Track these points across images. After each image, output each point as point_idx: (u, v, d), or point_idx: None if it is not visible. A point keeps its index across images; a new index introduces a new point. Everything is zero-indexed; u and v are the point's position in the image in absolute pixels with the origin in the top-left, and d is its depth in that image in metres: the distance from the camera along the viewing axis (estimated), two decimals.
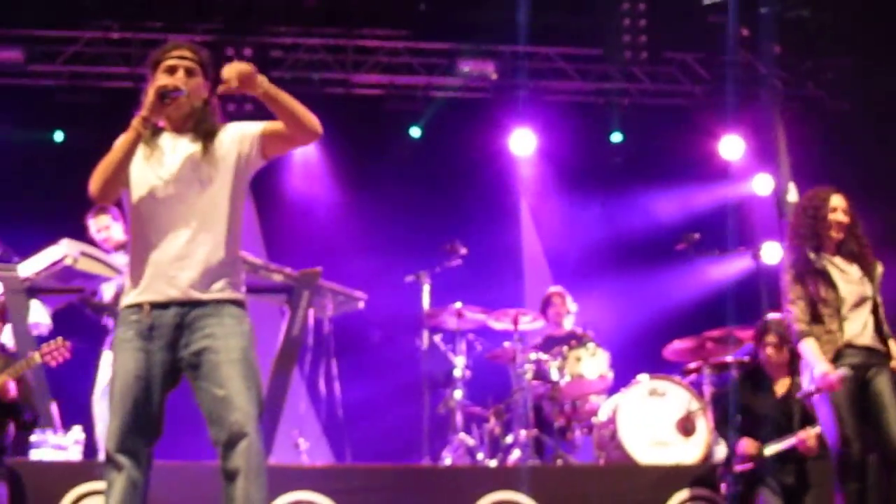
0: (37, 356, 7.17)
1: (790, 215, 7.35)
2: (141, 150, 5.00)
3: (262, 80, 4.88)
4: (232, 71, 4.84)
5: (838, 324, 6.75)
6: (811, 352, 6.74)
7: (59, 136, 12.97)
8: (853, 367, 6.68)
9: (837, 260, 6.90)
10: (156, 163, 5.00)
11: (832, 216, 6.92)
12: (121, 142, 4.93)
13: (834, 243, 6.94)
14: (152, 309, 4.93)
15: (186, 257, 4.94)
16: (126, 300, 5.02)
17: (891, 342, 6.87)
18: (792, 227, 7.12)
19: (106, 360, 9.00)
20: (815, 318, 6.80)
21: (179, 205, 4.95)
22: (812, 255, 6.86)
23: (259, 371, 5.02)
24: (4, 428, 7.23)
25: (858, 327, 6.78)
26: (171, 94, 4.92)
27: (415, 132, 13.45)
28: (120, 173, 4.92)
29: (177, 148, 5.03)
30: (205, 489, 6.96)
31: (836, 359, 6.70)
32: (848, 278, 6.84)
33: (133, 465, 4.87)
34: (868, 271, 6.90)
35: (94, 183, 4.92)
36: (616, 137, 13.74)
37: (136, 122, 4.89)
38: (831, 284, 6.79)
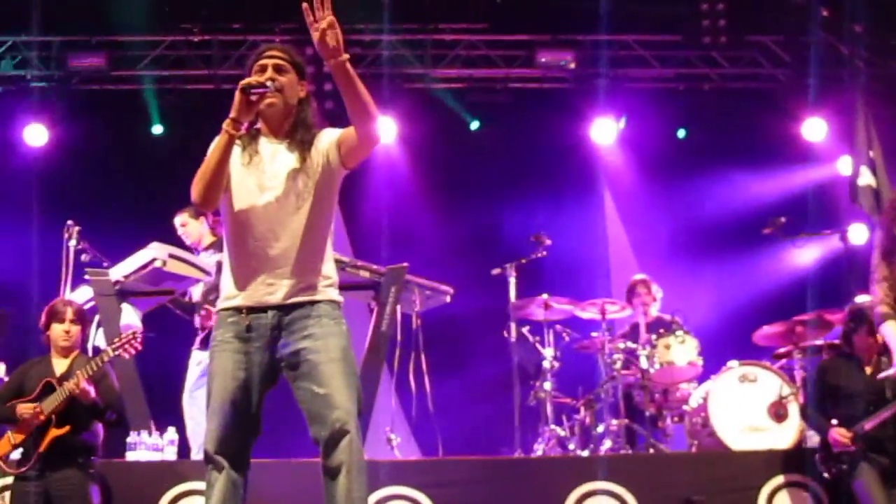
0: (109, 350, 7.21)
1: (861, 198, 7.25)
2: (240, 156, 5.05)
3: (346, 56, 4.83)
4: (331, 24, 4.80)
5: None
6: (892, 335, 6.65)
7: (157, 129, 13.08)
8: None
9: None
10: (255, 169, 5.04)
11: None
12: (214, 145, 4.95)
13: None
14: (250, 312, 4.99)
15: (285, 265, 5.00)
16: (224, 304, 5.08)
17: None
18: (887, 206, 7.04)
19: (195, 359, 9.10)
20: None
21: (278, 213, 5.00)
22: None
23: (357, 370, 5.07)
24: (90, 428, 7.28)
25: None
26: (255, 90, 4.93)
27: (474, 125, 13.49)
28: (218, 177, 4.95)
29: (276, 156, 5.07)
30: (302, 486, 7.02)
31: None
32: None
33: (232, 465, 4.93)
34: None
35: (195, 189, 4.96)
36: (681, 133, 13.67)
37: (225, 124, 4.91)
38: None
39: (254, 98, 4.93)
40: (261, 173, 5.04)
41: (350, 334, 5.09)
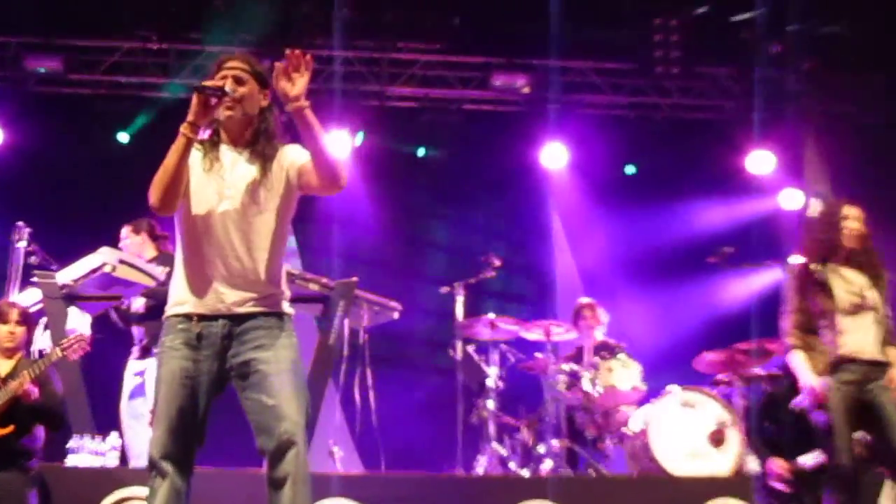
0: (57, 351, 7.18)
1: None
2: (200, 162, 5.00)
3: (306, 102, 4.84)
4: (301, 68, 4.83)
5: (833, 336, 6.69)
6: (798, 364, 6.74)
7: (124, 138, 13.00)
8: (851, 383, 6.61)
9: (844, 270, 6.85)
10: (216, 177, 5.00)
11: (845, 223, 6.89)
12: (172, 149, 4.88)
13: (845, 253, 6.89)
14: (201, 320, 4.94)
15: (239, 275, 4.96)
16: (174, 310, 5.03)
17: (890, 350, 6.79)
18: (806, 237, 7.10)
19: (132, 369, 9.01)
20: (813, 330, 6.76)
21: (235, 223, 4.96)
22: (814, 267, 6.81)
23: (305, 383, 5.05)
24: (31, 431, 7.21)
25: (859, 339, 6.74)
26: (210, 92, 4.87)
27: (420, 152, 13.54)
28: (176, 181, 4.88)
29: (236, 165, 5.03)
30: (245, 496, 6.96)
31: (831, 371, 6.65)
32: (848, 287, 6.78)
33: (177, 472, 4.87)
34: (877, 282, 6.84)
35: (153, 193, 4.89)
36: (630, 169, 13.74)
37: (183, 127, 4.85)
38: (830, 296, 6.73)
39: (212, 102, 4.87)
40: (220, 181, 4.99)
41: (299, 347, 5.06)
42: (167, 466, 4.85)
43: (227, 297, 4.94)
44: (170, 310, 5.05)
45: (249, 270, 4.97)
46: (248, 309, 4.96)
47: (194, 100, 4.87)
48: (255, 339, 4.93)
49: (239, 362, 4.92)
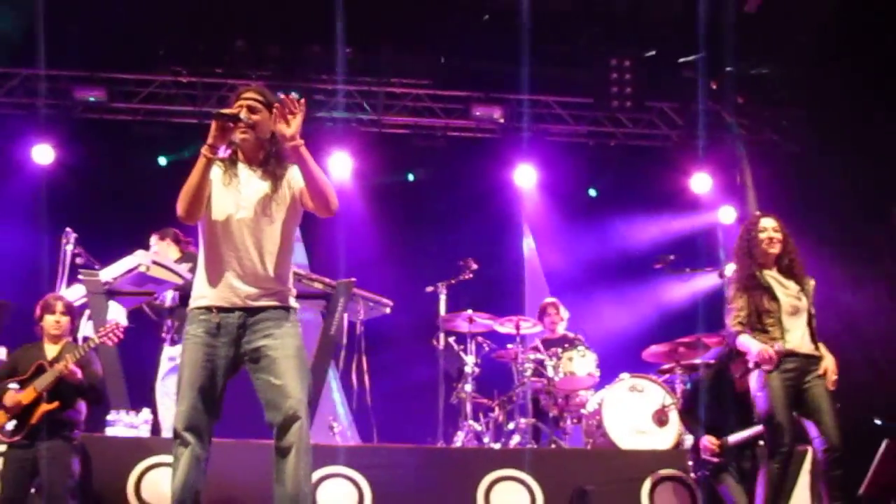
0: (95, 338, 7.18)
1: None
2: (221, 178, 5.04)
3: (301, 141, 4.90)
4: (295, 110, 4.87)
5: (780, 332, 6.68)
6: (748, 340, 6.69)
7: (163, 161, 12.97)
8: (791, 371, 6.61)
9: (776, 274, 6.84)
10: (234, 190, 5.03)
11: (761, 234, 6.89)
12: (195, 168, 4.92)
13: (770, 259, 6.88)
14: (219, 312, 4.98)
15: (252, 274, 5.00)
16: (196, 303, 5.07)
17: (821, 346, 6.78)
18: (734, 248, 7.10)
19: (166, 354, 9.00)
20: (758, 327, 6.74)
21: (250, 230, 5.00)
22: (758, 272, 6.81)
23: (308, 366, 5.09)
24: (74, 406, 7.19)
25: (798, 337, 6.70)
26: (226, 118, 4.89)
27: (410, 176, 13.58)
28: (199, 194, 4.92)
29: (251, 181, 5.06)
30: (254, 463, 6.96)
31: (776, 365, 6.63)
32: (787, 291, 6.77)
33: (197, 442, 4.90)
34: (803, 285, 6.84)
35: (180, 204, 4.93)
36: (592, 192, 13.75)
37: (203, 149, 4.90)
38: (774, 297, 6.73)
39: (228, 126, 4.90)
40: (237, 194, 5.02)
41: (302, 336, 5.09)
42: (189, 437, 4.88)
43: (241, 292, 4.98)
44: (192, 303, 5.09)
45: (261, 270, 5.00)
46: (259, 303, 4.99)
47: (212, 125, 4.90)
48: (265, 329, 4.97)
49: (251, 348, 4.96)
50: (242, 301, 4.98)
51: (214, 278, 5.01)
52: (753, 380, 6.74)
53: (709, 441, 7.51)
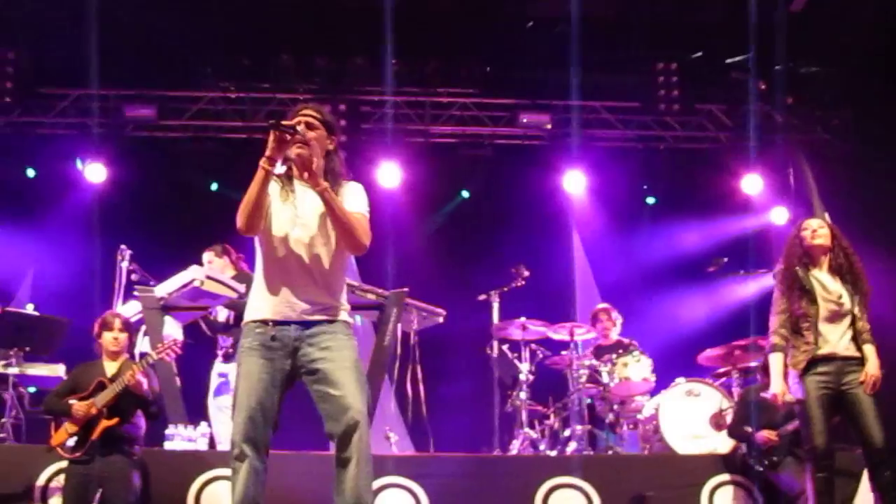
0: (153, 354, 7.24)
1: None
2: (278, 194, 5.07)
3: (326, 184, 4.96)
4: (303, 159, 4.95)
5: (814, 336, 6.61)
6: (774, 366, 6.71)
7: (214, 186, 13.07)
8: (828, 375, 6.56)
9: (823, 276, 6.76)
10: (290, 206, 5.07)
11: (804, 234, 6.83)
12: (253, 181, 4.94)
13: (816, 256, 6.82)
14: (275, 325, 5.00)
15: (307, 289, 5.02)
16: (252, 316, 5.09)
17: (866, 348, 6.67)
18: (783, 248, 7.05)
19: (217, 370, 9.07)
20: (796, 330, 6.69)
21: (306, 246, 5.03)
22: (800, 273, 6.74)
23: (365, 377, 5.09)
24: (133, 421, 7.26)
25: (835, 340, 6.64)
26: (282, 126, 4.90)
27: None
28: (257, 207, 4.93)
29: (307, 197, 5.09)
30: (314, 474, 7.00)
31: (809, 367, 6.58)
32: (828, 295, 6.69)
33: (256, 454, 4.90)
34: (855, 285, 6.76)
35: (240, 217, 4.96)
36: (650, 200, 13.73)
37: (262, 162, 4.91)
38: (813, 300, 6.66)
39: (286, 139, 4.91)
40: (294, 210, 5.06)
41: (358, 348, 5.11)
42: (247, 449, 4.88)
43: (297, 306, 5.00)
44: (248, 316, 5.11)
45: (316, 286, 5.03)
46: (314, 317, 5.01)
47: (270, 136, 4.91)
48: (321, 342, 4.98)
49: (307, 360, 4.97)
50: (298, 315, 4.99)
51: (271, 292, 5.04)
52: (791, 383, 6.70)
53: (765, 433, 7.51)
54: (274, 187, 5.06)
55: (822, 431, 6.50)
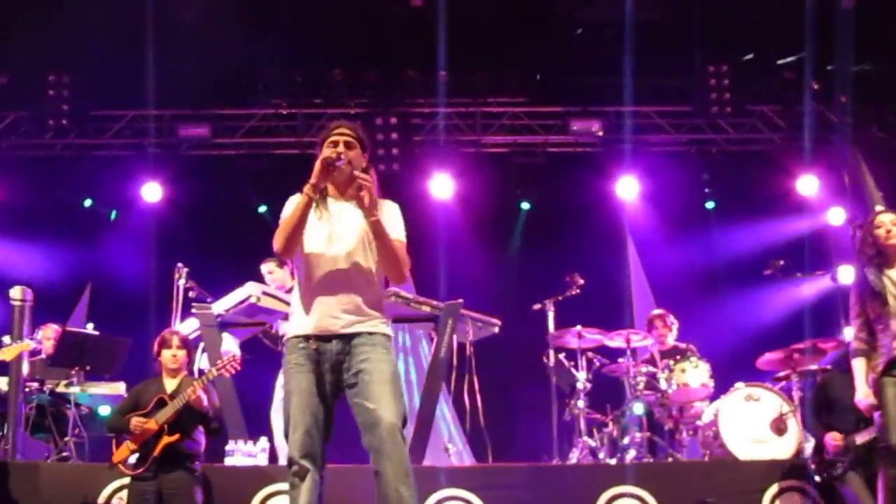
0: (213, 370, 7.32)
1: None
2: (313, 212, 5.13)
3: (379, 215, 5.05)
4: (371, 191, 5.02)
5: (890, 338, 6.49)
6: (857, 372, 6.60)
7: (262, 209, 13.18)
8: None
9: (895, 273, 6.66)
10: (326, 224, 5.15)
11: (877, 231, 6.71)
12: (295, 204, 5.06)
13: (890, 257, 6.68)
14: (318, 340, 5.08)
15: (348, 303, 5.10)
16: (294, 331, 5.18)
17: None
18: (857, 248, 6.94)
19: (280, 381, 9.10)
20: (872, 332, 6.60)
21: (344, 261, 5.12)
22: (871, 275, 6.63)
23: (403, 390, 5.15)
24: (193, 437, 7.33)
25: None
26: (336, 163, 5.03)
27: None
28: (298, 231, 5.07)
29: (343, 213, 5.19)
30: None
31: (888, 369, 6.47)
32: None
33: (314, 468, 4.98)
34: None
35: (278, 240, 5.08)
36: (710, 205, 13.65)
37: (307, 189, 5.03)
38: (884, 301, 6.55)
39: (332, 170, 5.04)
40: (331, 226, 5.15)
41: (395, 362, 5.20)
42: (307, 463, 4.96)
43: (339, 321, 5.07)
44: (290, 332, 5.20)
45: (355, 300, 5.10)
46: (355, 329, 5.08)
47: (318, 167, 5.04)
48: (360, 354, 5.05)
49: (350, 374, 5.04)
50: (339, 329, 5.07)
51: (310, 308, 5.12)
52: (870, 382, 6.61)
53: (832, 438, 7.38)
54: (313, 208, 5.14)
55: None
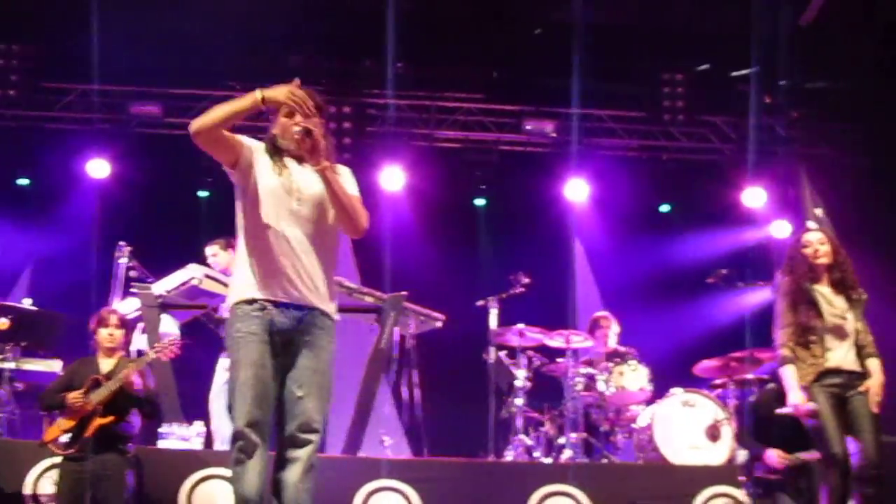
0: (151, 353, 7.24)
1: None
2: (269, 163, 4.98)
3: (327, 163, 4.87)
4: (310, 134, 4.86)
5: (822, 350, 6.62)
6: (788, 379, 6.66)
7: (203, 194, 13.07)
8: (834, 386, 6.57)
9: (825, 290, 6.77)
10: (286, 180, 4.94)
11: (804, 251, 6.81)
12: (237, 101, 4.89)
13: (819, 272, 6.81)
14: (273, 307, 4.84)
15: (306, 269, 4.88)
16: (242, 295, 4.90)
17: (870, 362, 6.68)
18: (784, 263, 7.03)
19: (222, 365, 9.04)
20: (803, 343, 6.68)
21: (306, 223, 4.92)
22: (806, 286, 6.73)
23: (332, 385, 4.98)
24: (128, 419, 7.24)
25: (841, 354, 6.65)
26: (312, 135, 4.87)
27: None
28: (221, 126, 4.89)
29: (303, 173, 4.99)
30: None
31: (817, 380, 6.58)
32: (832, 310, 6.70)
33: (262, 444, 4.77)
34: (853, 300, 6.76)
35: (197, 121, 4.89)
36: (664, 208, 13.74)
37: (258, 93, 4.89)
38: (819, 314, 6.66)
39: (305, 139, 4.88)
40: (290, 183, 4.95)
41: (335, 353, 5.01)
42: (255, 436, 4.74)
43: (296, 284, 4.86)
44: (238, 295, 4.93)
45: (316, 267, 4.91)
46: (312, 303, 4.89)
47: (287, 127, 4.98)
48: (309, 334, 4.87)
49: (293, 351, 4.87)
50: (295, 298, 4.85)
51: (266, 271, 4.86)
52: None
53: (778, 455, 7.43)
54: (265, 160, 5.00)
55: (839, 438, 6.48)
